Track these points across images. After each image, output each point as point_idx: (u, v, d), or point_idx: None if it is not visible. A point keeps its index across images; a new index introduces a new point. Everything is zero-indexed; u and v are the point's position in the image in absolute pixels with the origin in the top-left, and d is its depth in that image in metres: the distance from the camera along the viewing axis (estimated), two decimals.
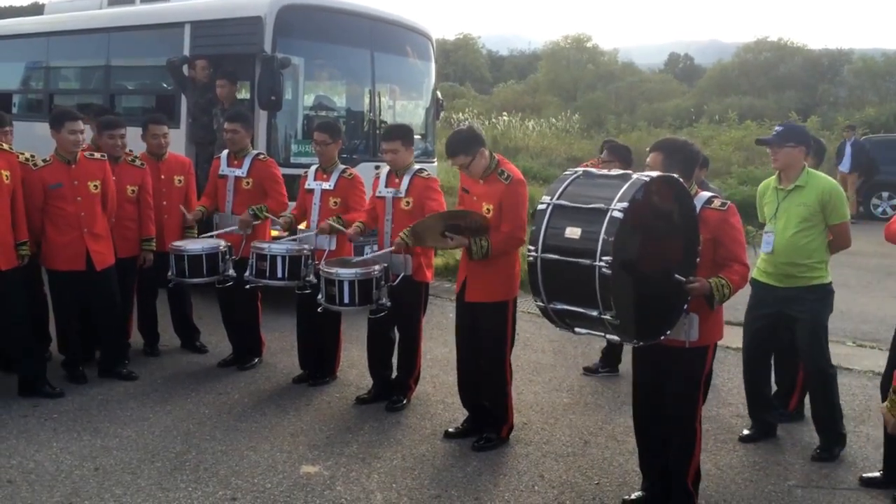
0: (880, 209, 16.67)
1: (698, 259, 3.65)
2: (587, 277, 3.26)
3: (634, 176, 3.41)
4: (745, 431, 5.09)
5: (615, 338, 3.45)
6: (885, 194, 16.73)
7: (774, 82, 39.25)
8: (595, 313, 3.32)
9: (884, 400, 4.42)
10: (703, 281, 3.62)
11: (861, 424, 5.31)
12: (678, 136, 4.21)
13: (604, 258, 3.21)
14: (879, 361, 5.73)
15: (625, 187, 3.33)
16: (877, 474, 4.47)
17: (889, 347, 4.47)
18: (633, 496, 4.16)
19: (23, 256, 5.26)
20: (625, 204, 3.25)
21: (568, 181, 3.57)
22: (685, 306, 3.66)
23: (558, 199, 3.49)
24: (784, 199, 4.75)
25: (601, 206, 3.30)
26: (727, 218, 3.76)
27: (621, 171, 3.57)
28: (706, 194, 3.87)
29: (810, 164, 4.89)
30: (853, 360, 6.66)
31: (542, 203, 3.52)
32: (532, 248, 3.46)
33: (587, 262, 3.26)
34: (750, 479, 4.51)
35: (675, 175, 3.57)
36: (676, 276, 3.57)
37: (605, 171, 3.71)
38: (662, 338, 3.64)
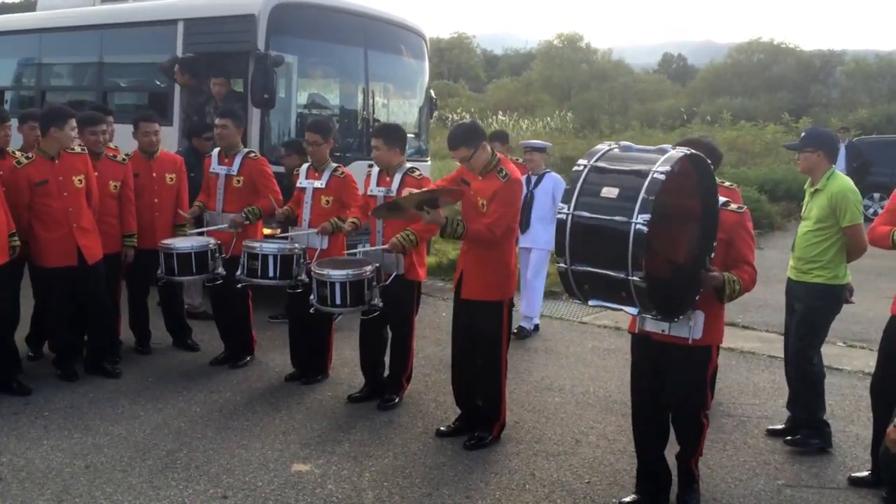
0: (871, 210, 16.70)
1: (713, 255, 3.71)
2: (620, 236, 3.23)
3: (672, 150, 3.44)
4: (779, 426, 5.18)
5: (631, 309, 3.41)
6: (876, 195, 16.78)
7: (767, 83, 39.39)
8: (622, 275, 3.27)
9: (874, 407, 4.46)
10: (720, 273, 3.71)
11: (850, 424, 5.34)
12: (705, 136, 4.30)
13: (642, 216, 3.20)
14: (869, 362, 5.75)
15: (664, 157, 3.36)
16: (865, 474, 4.49)
17: (878, 348, 4.51)
18: (626, 499, 4.17)
19: (14, 248, 5.17)
20: (667, 168, 3.27)
21: (604, 151, 3.56)
22: (697, 296, 3.70)
23: (596, 161, 3.48)
24: (810, 200, 4.92)
25: (643, 168, 3.31)
26: (743, 221, 3.88)
27: (658, 146, 3.57)
28: (722, 197, 3.92)
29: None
30: (843, 361, 6.69)
31: (579, 165, 3.49)
32: (563, 205, 3.42)
33: (623, 219, 3.24)
34: (739, 479, 4.52)
35: (708, 160, 3.61)
36: (708, 261, 3.60)
37: (642, 146, 3.70)
38: (673, 323, 3.69)
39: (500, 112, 31.02)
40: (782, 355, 5.32)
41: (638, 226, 3.19)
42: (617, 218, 3.26)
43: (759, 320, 8.02)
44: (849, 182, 4.79)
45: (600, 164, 3.46)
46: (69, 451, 4.51)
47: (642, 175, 3.28)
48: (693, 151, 3.51)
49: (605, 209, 3.32)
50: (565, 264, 3.46)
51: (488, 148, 4.66)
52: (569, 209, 3.40)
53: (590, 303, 3.53)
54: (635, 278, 3.25)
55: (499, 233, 4.56)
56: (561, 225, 3.42)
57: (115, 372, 5.75)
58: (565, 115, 31.40)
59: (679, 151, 3.42)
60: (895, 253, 5.34)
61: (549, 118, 30.17)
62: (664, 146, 3.53)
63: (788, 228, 15.26)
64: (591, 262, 3.39)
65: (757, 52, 43.34)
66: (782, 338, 5.39)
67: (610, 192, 3.35)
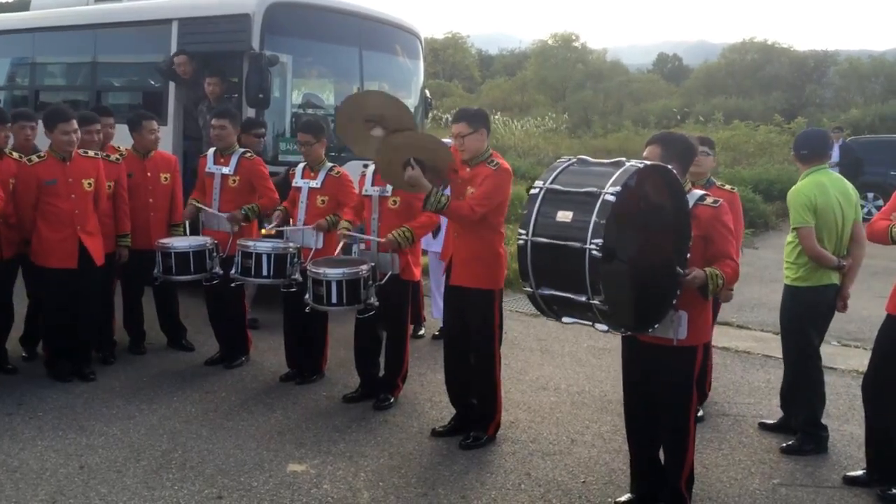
0: (865, 210, 16.76)
1: (689, 255, 3.66)
2: (577, 261, 3.25)
3: (628, 163, 3.42)
4: (769, 421, 5.22)
5: (604, 326, 3.42)
6: (870, 195, 16.84)
7: (761, 83, 39.52)
8: (583, 299, 3.29)
9: (866, 400, 4.46)
10: (698, 271, 3.64)
11: (845, 423, 5.35)
12: (675, 131, 4.24)
13: (594, 241, 3.20)
14: (863, 361, 5.76)
15: (618, 173, 3.34)
16: (860, 473, 4.50)
17: (872, 347, 4.52)
18: (622, 499, 4.16)
19: None
20: (617, 188, 3.25)
21: (561, 168, 3.57)
22: (675, 301, 3.67)
23: (551, 183, 3.49)
24: None
25: (594, 189, 3.31)
26: (719, 216, 3.77)
27: (615, 160, 3.56)
28: (698, 192, 3.89)
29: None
30: (837, 360, 6.71)
31: (535, 188, 3.50)
32: (522, 231, 3.44)
33: (577, 245, 3.25)
34: (735, 478, 4.53)
35: (669, 167, 3.57)
36: (678, 268, 3.56)
37: (599, 160, 3.70)
38: (650, 331, 3.64)
39: (495, 112, 31.03)
40: (777, 354, 5.34)
41: (592, 252, 3.21)
42: (572, 243, 3.28)
43: (753, 319, 8.04)
44: (804, 183, 4.77)
45: (555, 185, 3.47)
46: (63, 452, 4.50)
47: (594, 197, 3.29)
48: (647, 163, 3.48)
49: (562, 234, 3.35)
50: (531, 288, 3.49)
51: (485, 139, 4.66)
52: (527, 234, 3.43)
53: (563, 320, 3.54)
54: (596, 302, 3.27)
55: (480, 211, 4.50)
56: (521, 250, 3.46)
57: (89, 377, 5.64)
58: (559, 116, 31.44)
59: (633, 165, 3.39)
60: (890, 253, 5.36)
61: (542, 118, 30.21)
62: (620, 159, 3.51)
63: (783, 228, 15.29)
64: (554, 285, 3.42)
65: (751, 52, 43.48)
66: (777, 337, 5.40)
67: (565, 215, 3.37)
